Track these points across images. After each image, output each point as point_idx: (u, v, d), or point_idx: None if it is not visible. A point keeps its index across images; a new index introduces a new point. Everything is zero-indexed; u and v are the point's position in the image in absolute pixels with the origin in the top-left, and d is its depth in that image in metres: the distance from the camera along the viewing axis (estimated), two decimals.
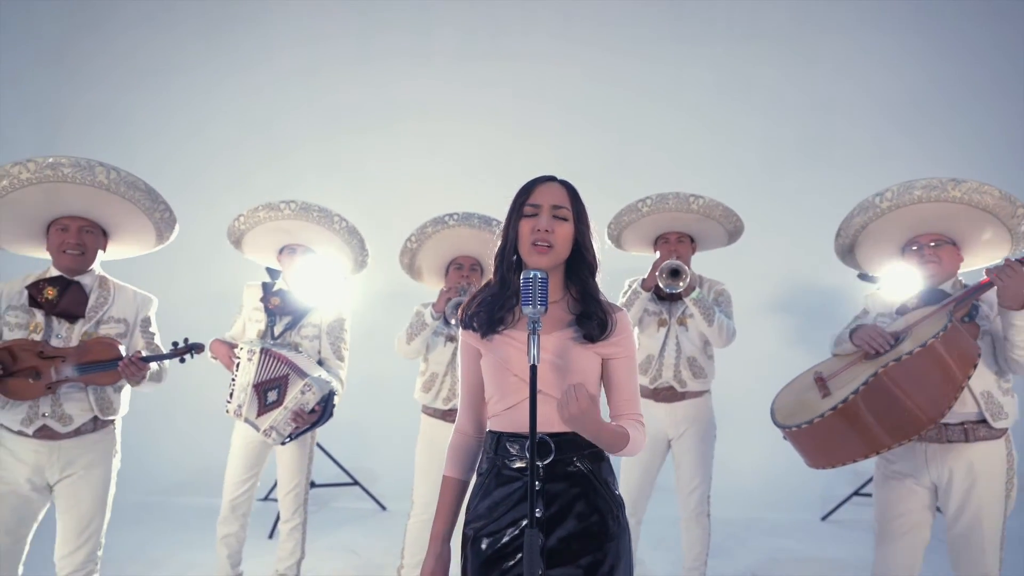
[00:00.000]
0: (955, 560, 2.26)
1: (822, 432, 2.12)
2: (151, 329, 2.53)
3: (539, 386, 1.44)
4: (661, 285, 2.81)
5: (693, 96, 5.49)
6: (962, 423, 2.21)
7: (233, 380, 2.76)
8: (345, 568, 3.62)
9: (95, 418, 2.35)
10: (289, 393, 2.69)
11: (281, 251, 3.05)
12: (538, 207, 1.56)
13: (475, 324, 1.61)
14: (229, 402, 2.77)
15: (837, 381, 2.25)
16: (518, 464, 1.54)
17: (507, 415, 1.57)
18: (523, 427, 1.51)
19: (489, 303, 1.60)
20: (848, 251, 2.60)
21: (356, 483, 4.70)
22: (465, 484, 1.68)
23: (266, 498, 4.55)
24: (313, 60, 5.68)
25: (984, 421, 2.20)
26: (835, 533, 4.26)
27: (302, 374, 2.71)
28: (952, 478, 2.23)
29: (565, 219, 1.57)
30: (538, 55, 5.60)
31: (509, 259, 1.59)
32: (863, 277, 4.35)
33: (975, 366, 2.07)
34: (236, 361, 2.75)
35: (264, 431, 2.72)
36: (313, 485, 4.69)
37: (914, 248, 2.41)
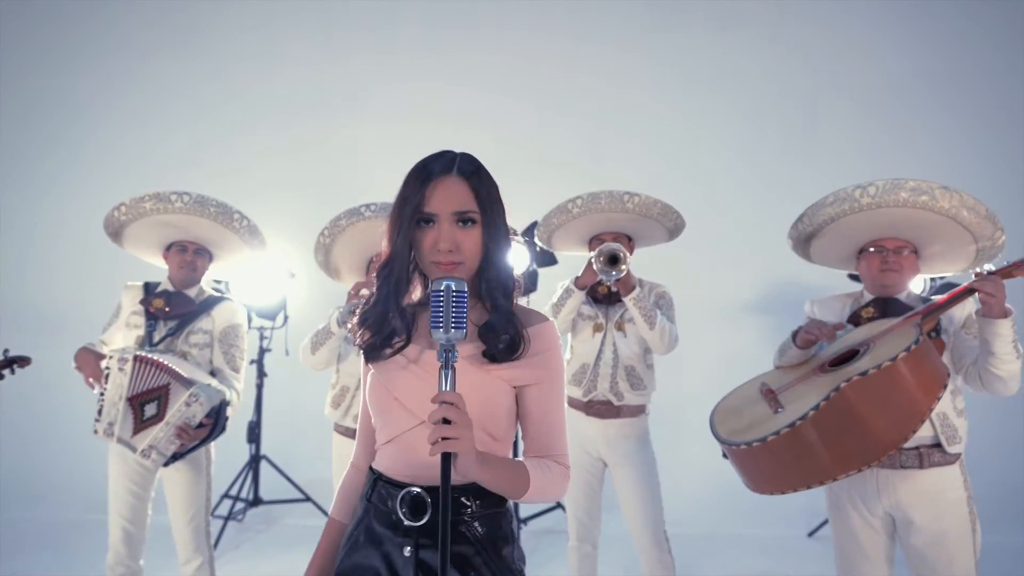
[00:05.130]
0: None
1: (775, 452, 1.85)
2: None
3: (420, 415, 1.20)
4: (597, 271, 2.50)
5: (671, 86, 5.24)
6: (917, 447, 1.99)
7: (101, 395, 2.40)
8: None
9: None
10: (172, 405, 2.37)
11: (169, 248, 2.71)
12: (434, 217, 1.21)
13: (360, 343, 1.30)
14: (98, 420, 2.40)
15: (789, 395, 1.98)
16: (392, 518, 1.23)
17: (387, 451, 1.27)
18: (403, 468, 1.24)
19: (377, 318, 1.28)
20: (805, 240, 2.31)
21: (308, 499, 4.38)
22: None
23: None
24: (272, 50, 5.41)
25: (939, 445, 1.99)
26: (823, 551, 3.93)
27: (186, 382, 2.39)
28: (909, 511, 2.00)
29: (472, 221, 1.23)
30: (509, 46, 5.34)
31: (402, 271, 1.26)
32: (855, 277, 4.09)
33: (945, 387, 1.84)
34: (105, 372, 2.40)
35: (142, 451, 2.37)
36: (261, 502, 4.42)
37: (873, 251, 2.16)
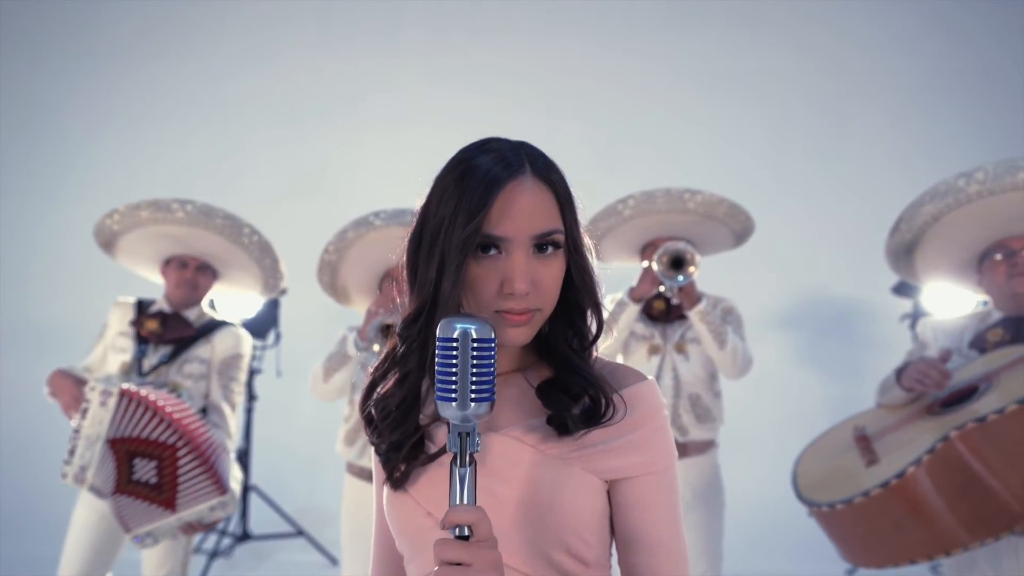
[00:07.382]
0: None
1: (868, 516, 1.57)
2: None
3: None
4: (658, 274, 2.19)
5: (688, 91, 5.03)
6: None
7: (76, 432, 2.03)
8: None
9: None
10: (184, 486, 2.03)
11: (167, 262, 2.40)
12: (505, 242, 0.80)
13: (376, 439, 0.89)
14: (68, 462, 2.02)
15: (887, 443, 1.69)
16: None
17: None
18: None
19: (402, 405, 0.85)
20: (906, 251, 1.96)
21: (301, 533, 4.07)
22: None
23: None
24: (269, 55, 5.16)
25: None
26: None
27: (218, 480, 2.06)
28: None
29: (554, 246, 0.83)
30: (516, 50, 5.12)
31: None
32: (899, 291, 3.76)
33: None
34: (84, 405, 2.04)
35: (135, 535, 2.05)
36: (250, 536, 4.10)
37: (998, 256, 1.79)
